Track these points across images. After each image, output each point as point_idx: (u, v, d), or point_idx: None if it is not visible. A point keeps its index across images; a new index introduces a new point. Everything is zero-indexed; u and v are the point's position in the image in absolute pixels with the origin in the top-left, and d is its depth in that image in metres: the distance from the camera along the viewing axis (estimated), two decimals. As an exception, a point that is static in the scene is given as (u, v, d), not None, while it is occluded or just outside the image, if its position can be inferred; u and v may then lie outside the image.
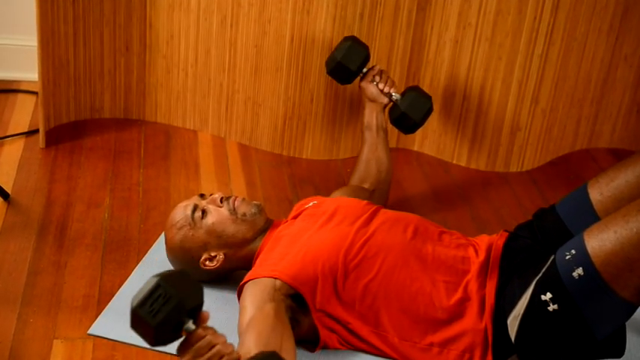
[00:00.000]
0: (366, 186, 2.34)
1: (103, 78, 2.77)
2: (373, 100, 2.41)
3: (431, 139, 2.79)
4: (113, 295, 2.04)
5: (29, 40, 2.87)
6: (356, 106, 2.70)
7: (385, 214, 1.99)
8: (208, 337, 1.55)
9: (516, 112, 2.68)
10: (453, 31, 2.62)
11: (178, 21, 2.68)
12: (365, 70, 2.42)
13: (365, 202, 2.05)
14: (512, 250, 1.88)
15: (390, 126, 2.50)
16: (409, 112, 2.38)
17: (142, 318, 1.49)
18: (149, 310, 1.48)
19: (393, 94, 2.40)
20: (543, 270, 1.76)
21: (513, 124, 2.70)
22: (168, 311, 1.48)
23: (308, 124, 2.71)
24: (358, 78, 2.44)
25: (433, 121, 2.75)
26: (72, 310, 2.00)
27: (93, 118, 2.82)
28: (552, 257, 1.76)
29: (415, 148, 2.82)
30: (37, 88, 2.72)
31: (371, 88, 2.40)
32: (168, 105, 2.81)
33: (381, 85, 2.39)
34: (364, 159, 2.38)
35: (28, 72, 2.93)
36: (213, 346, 1.55)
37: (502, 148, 2.73)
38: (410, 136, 2.80)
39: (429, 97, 2.43)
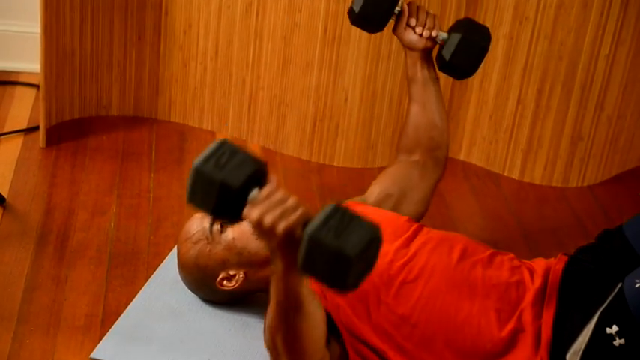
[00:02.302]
0: (415, 158, 2.20)
1: (112, 71, 2.80)
2: (414, 49, 2.14)
3: (479, 148, 2.79)
4: (119, 315, 2.06)
5: (31, 26, 2.91)
6: (396, 106, 2.71)
7: (428, 233, 1.99)
8: (281, 192, 1.47)
9: (578, 119, 2.68)
10: (508, 27, 2.63)
11: (197, 8, 2.71)
12: (398, 9, 2.12)
13: (404, 218, 2.05)
14: (572, 276, 1.87)
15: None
16: (456, 62, 2.09)
17: (204, 176, 1.44)
18: (214, 165, 1.44)
19: (439, 34, 2.11)
20: (609, 299, 1.76)
21: (574, 132, 2.70)
22: (235, 163, 1.44)
23: (341, 127, 2.72)
24: (392, 21, 2.15)
25: (483, 128, 2.76)
26: (73, 330, 2.02)
27: (99, 116, 2.85)
28: (619, 285, 1.76)
29: (461, 158, 2.82)
30: (38, 80, 2.75)
31: (408, 36, 2.12)
32: (184, 102, 2.84)
33: (418, 30, 2.11)
34: (412, 124, 2.18)
35: (29, 62, 2.96)
36: (286, 200, 1.46)
37: (560, 160, 2.73)
38: (456, 144, 2.80)
39: (482, 34, 2.12)
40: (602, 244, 1.98)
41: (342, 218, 1.39)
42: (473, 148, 2.80)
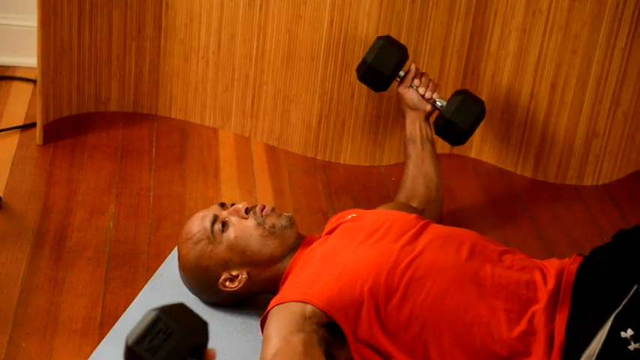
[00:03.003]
0: (414, 204, 2.36)
1: (111, 65, 2.80)
2: (414, 109, 2.43)
3: (491, 145, 2.79)
4: (118, 318, 2.06)
5: (27, 19, 2.91)
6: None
7: (436, 229, 2.00)
8: None
9: (593, 115, 2.67)
10: (521, 19, 2.62)
11: (199, 1, 2.70)
12: (402, 73, 2.44)
13: (413, 215, 2.06)
14: (587, 278, 1.87)
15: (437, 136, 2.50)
16: (455, 119, 2.38)
17: (139, 357, 1.48)
18: (148, 347, 1.48)
19: (437, 100, 2.42)
20: (624, 302, 1.76)
21: (589, 129, 2.69)
22: (170, 348, 1.47)
23: (347, 124, 2.72)
24: (395, 83, 2.46)
25: (494, 124, 2.75)
26: (70, 333, 2.02)
27: (98, 112, 2.85)
28: (635, 287, 1.76)
29: (472, 155, 2.82)
30: (34, 75, 2.76)
31: (410, 95, 2.43)
32: (185, 98, 2.84)
33: (421, 90, 2.42)
34: (410, 175, 2.41)
35: (26, 57, 2.97)
36: None
37: (575, 158, 2.72)
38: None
39: (479, 101, 2.43)
40: (618, 244, 1.98)
41: None
42: (484, 145, 2.80)
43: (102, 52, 2.77)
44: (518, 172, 2.77)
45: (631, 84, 2.66)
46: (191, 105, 2.84)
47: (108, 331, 2.02)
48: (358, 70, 2.47)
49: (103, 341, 1.99)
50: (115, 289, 2.16)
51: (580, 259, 1.94)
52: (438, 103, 2.42)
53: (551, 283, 1.88)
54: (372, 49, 2.43)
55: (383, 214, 2.08)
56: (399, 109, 2.51)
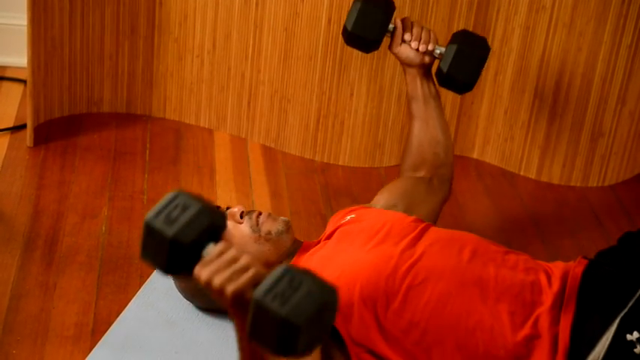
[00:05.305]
0: (421, 174, 2.28)
1: (103, 65, 2.81)
2: (412, 65, 2.25)
3: (494, 145, 2.79)
4: (110, 324, 2.06)
5: (17, 18, 2.92)
6: (404, 102, 2.71)
7: (437, 232, 2.00)
8: (233, 251, 1.49)
9: (598, 114, 2.68)
10: (524, 16, 2.63)
11: (194, -2, 2.72)
12: (392, 26, 2.23)
13: (412, 217, 2.06)
14: (592, 281, 1.88)
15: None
16: (454, 73, 2.19)
17: (155, 231, 1.45)
18: (164, 219, 1.46)
19: (436, 48, 2.21)
20: (630, 304, 1.76)
21: (594, 128, 2.69)
22: (187, 218, 1.46)
23: (346, 124, 2.72)
24: (388, 38, 2.26)
25: (497, 124, 2.76)
26: (62, 340, 2.03)
27: (90, 113, 2.86)
28: (641, 290, 1.77)
29: (475, 156, 2.82)
30: (25, 75, 2.76)
31: (404, 51, 2.24)
32: (180, 98, 2.84)
33: (414, 45, 2.22)
34: (415, 141, 2.29)
35: (15, 56, 2.97)
36: (238, 259, 1.48)
37: (580, 158, 2.73)
38: (469, 141, 2.80)
39: (480, 44, 2.23)
40: (624, 247, 1.98)
41: (292, 281, 1.39)
42: (487, 146, 2.80)
43: (94, 51, 2.78)
44: (522, 174, 2.78)
45: (637, 82, 2.66)
46: (186, 105, 2.85)
47: (100, 338, 2.02)
48: (343, 35, 2.26)
49: (95, 348, 1.99)
50: (108, 295, 2.16)
51: (585, 262, 1.95)
52: (437, 51, 2.21)
53: (555, 285, 1.88)
54: (351, 11, 2.21)
55: (382, 215, 2.08)
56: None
